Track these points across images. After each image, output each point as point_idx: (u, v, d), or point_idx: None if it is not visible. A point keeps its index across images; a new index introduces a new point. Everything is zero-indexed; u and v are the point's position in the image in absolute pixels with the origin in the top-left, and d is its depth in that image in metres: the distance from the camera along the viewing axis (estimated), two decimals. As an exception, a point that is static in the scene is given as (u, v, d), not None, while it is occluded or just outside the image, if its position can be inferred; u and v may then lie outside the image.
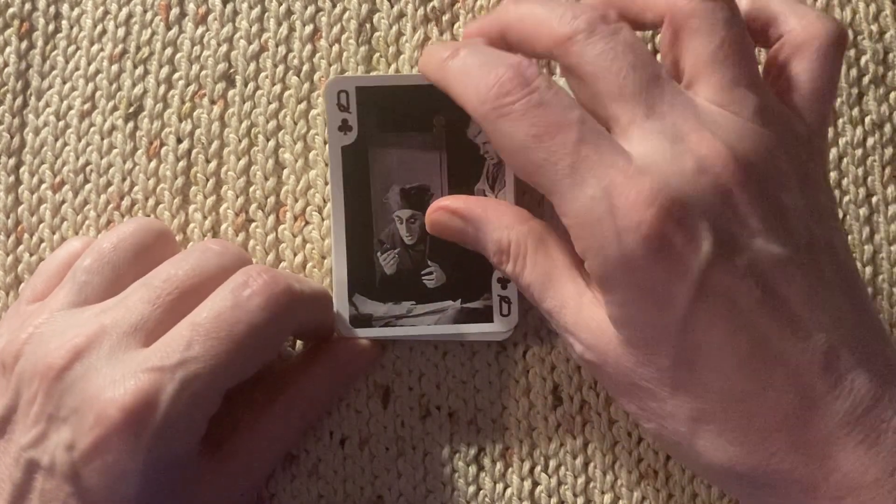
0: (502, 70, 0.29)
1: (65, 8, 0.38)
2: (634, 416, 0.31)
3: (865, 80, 0.38)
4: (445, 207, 0.34)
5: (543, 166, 0.29)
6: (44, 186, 0.38)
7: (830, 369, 0.28)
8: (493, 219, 0.33)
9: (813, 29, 0.31)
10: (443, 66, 0.32)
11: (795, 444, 0.28)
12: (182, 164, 0.37)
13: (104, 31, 0.38)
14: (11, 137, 0.38)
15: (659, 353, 0.29)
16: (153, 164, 0.37)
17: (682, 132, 0.28)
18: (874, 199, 0.38)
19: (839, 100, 0.37)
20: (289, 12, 0.38)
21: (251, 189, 0.37)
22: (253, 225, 0.37)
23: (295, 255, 0.37)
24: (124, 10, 0.38)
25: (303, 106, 0.37)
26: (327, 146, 0.36)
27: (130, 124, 0.38)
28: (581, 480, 0.36)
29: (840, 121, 0.37)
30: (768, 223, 0.28)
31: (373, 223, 0.35)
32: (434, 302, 0.36)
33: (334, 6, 0.38)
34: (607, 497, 0.36)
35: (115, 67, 0.38)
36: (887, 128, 0.38)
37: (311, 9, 0.38)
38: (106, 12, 0.38)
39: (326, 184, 0.37)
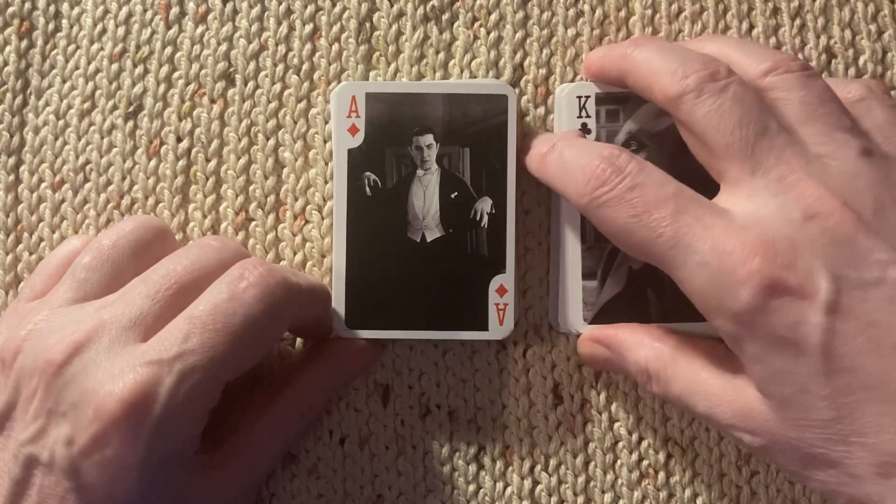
0: (595, 163, 0.31)
1: (65, 7, 0.38)
2: (831, 494, 0.29)
3: (864, 78, 0.38)
4: (590, 336, 0.35)
5: (648, 243, 0.30)
6: (43, 185, 0.38)
7: None
8: (628, 341, 0.34)
9: None
10: (542, 162, 0.34)
11: None
12: (182, 162, 0.37)
13: (104, 30, 0.38)
14: (11, 136, 0.38)
15: (814, 405, 0.28)
16: (153, 162, 0.37)
17: (789, 183, 0.29)
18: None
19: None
20: (288, 11, 0.38)
21: (251, 188, 0.37)
22: (253, 224, 0.37)
23: (295, 253, 0.37)
24: (124, 9, 0.38)
25: (302, 105, 0.38)
26: None
27: (130, 123, 0.38)
28: (581, 479, 0.36)
29: (839, 119, 0.37)
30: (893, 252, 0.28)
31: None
32: None
33: (334, 5, 0.38)
34: (607, 496, 0.36)
35: (114, 66, 0.38)
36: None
37: (310, 8, 0.38)
38: (106, 11, 0.38)
39: (326, 182, 0.37)
